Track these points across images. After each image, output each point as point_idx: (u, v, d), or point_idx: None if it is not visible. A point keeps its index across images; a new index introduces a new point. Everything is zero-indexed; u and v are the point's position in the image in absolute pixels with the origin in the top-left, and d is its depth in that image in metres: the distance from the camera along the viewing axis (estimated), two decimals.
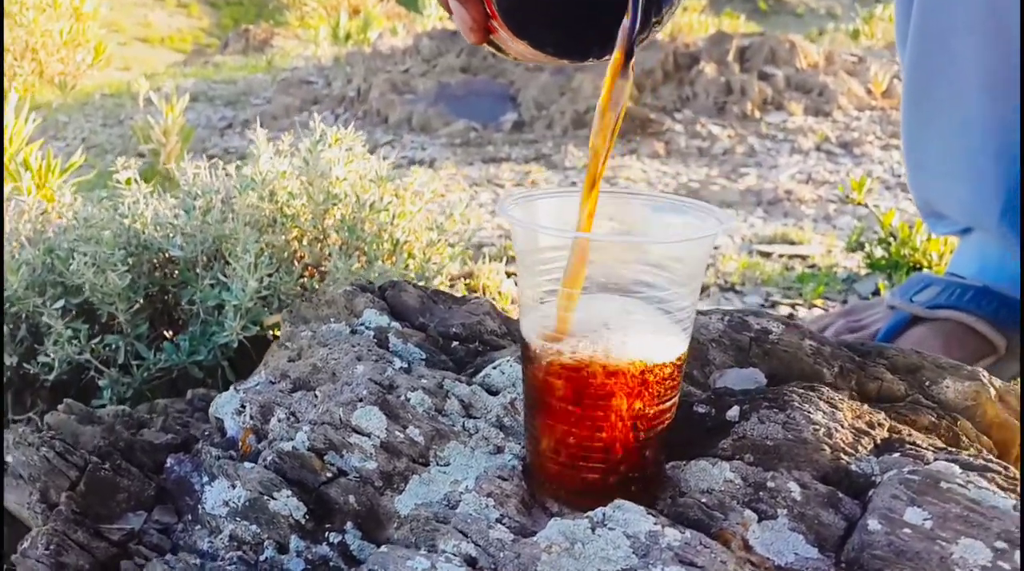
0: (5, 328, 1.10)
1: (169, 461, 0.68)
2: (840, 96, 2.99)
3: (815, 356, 0.61)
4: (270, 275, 1.06)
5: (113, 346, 1.08)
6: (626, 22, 0.52)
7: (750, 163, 2.66)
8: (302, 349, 0.66)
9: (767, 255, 1.75)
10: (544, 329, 0.53)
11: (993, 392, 0.59)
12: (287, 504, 0.53)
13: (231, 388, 0.69)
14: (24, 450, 0.64)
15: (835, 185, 2.42)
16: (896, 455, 0.50)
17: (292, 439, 0.58)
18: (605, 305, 0.59)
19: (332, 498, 0.54)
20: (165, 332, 1.16)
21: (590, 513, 0.48)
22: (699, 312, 0.67)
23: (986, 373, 0.61)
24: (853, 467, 0.50)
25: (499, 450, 0.54)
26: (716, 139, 2.81)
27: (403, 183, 1.33)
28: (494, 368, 0.61)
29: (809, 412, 0.52)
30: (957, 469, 0.48)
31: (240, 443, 0.64)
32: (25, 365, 1.09)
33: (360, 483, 0.54)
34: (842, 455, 0.51)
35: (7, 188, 1.82)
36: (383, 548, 0.49)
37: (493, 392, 0.60)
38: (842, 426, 0.52)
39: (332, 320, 0.71)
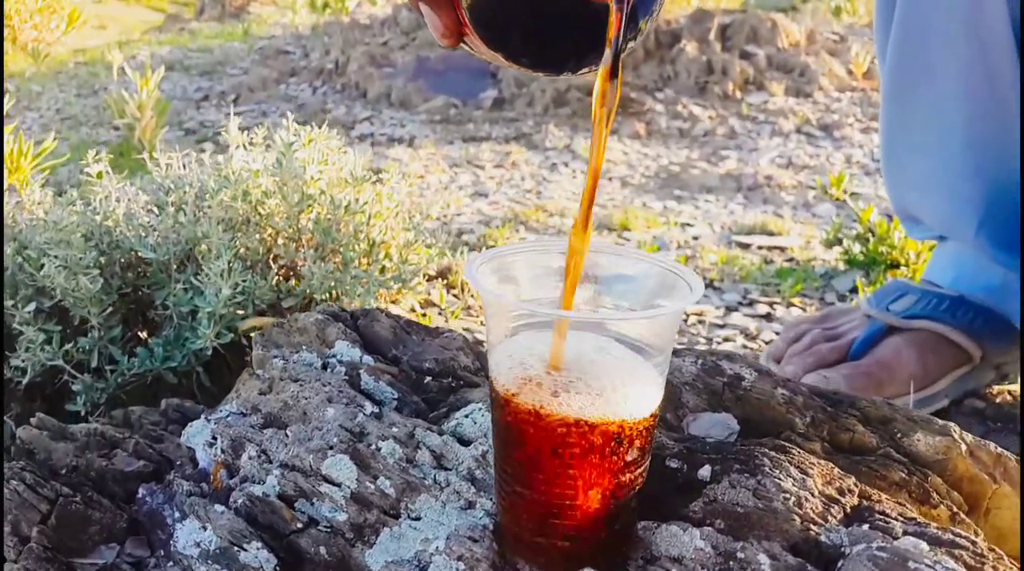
0: None
1: (141, 491, 0.67)
2: (821, 77, 2.99)
3: (787, 405, 0.61)
4: (244, 280, 1.05)
5: (87, 348, 1.07)
6: (608, 52, 0.51)
7: (731, 146, 2.65)
8: (273, 381, 0.65)
9: (746, 247, 1.75)
10: (511, 372, 0.52)
11: (964, 447, 0.59)
12: (257, 556, 0.53)
13: (203, 416, 0.68)
14: None
15: (815, 170, 2.42)
16: (865, 527, 0.50)
17: (263, 481, 0.57)
18: (579, 345, 0.58)
19: (303, 548, 0.54)
20: (139, 333, 1.15)
21: None
22: (672, 352, 0.67)
23: (957, 428, 0.61)
24: (823, 538, 0.50)
25: (470, 505, 0.54)
26: (697, 120, 2.80)
27: (380, 176, 1.32)
28: (466, 417, 0.61)
29: (780, 479, 0.52)
30: (925, 547, 0.48)
31: (212, 476, 0.63)
32: None
33: (331, 534, 0.54)
34: (812, 525, 0.51)
35: None
36: None
37: (465, 442, 0.60)
38: (812, 494, 0.52)
39: (304, 348, 0.70)
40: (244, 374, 0.69)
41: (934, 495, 0.55)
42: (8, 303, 1.08)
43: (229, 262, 1.03)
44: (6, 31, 4.62)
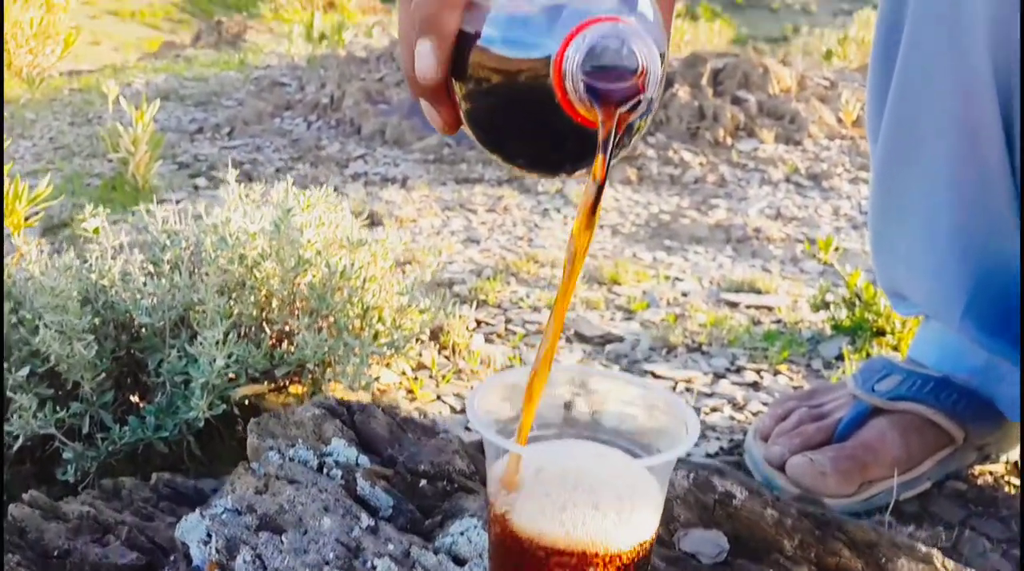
0: None
1: None
2: (811, 124, 3.02)
3: (776, 526, 0.63)
4: (238, 349, 1.06)
5: (78, 413, 1.08)
6: (592, 187, 0.52)
7: (721, 194, 2.68)
8: (269, 479, 0.66)
9: (734, 305, 1.76)
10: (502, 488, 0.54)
11: None
12: None
13: (197, 511, 0.69)
14: None
15: (803, 222, 2.45)
16: None
17: None
18: (577, 451, 0.60)
19: None
20: (131, 397, 1.15)
21: None
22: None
23: (939, 555, 0.62)
24: None
25: None
26: (688, 166, 2.83)
27: (372, 232, 1.33)
28: (461, 534, 0.61)
29: None
30: None
31: None
32: None
33: None
34: None
35: None
36: None
37: (460, 562, 0.61)
38: None
39: (300, 442, 0.71)
40: (240, 468, 0.70)
41: None
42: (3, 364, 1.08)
43: (225, 332, 1.04)
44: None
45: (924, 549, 0.62)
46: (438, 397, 1.27)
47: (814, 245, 2.13)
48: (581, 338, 1.57)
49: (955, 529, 0.98)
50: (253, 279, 1.19)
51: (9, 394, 1.03)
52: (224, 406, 1.03)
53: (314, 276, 1.19)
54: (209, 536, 0.66)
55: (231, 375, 1.08)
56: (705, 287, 1.91)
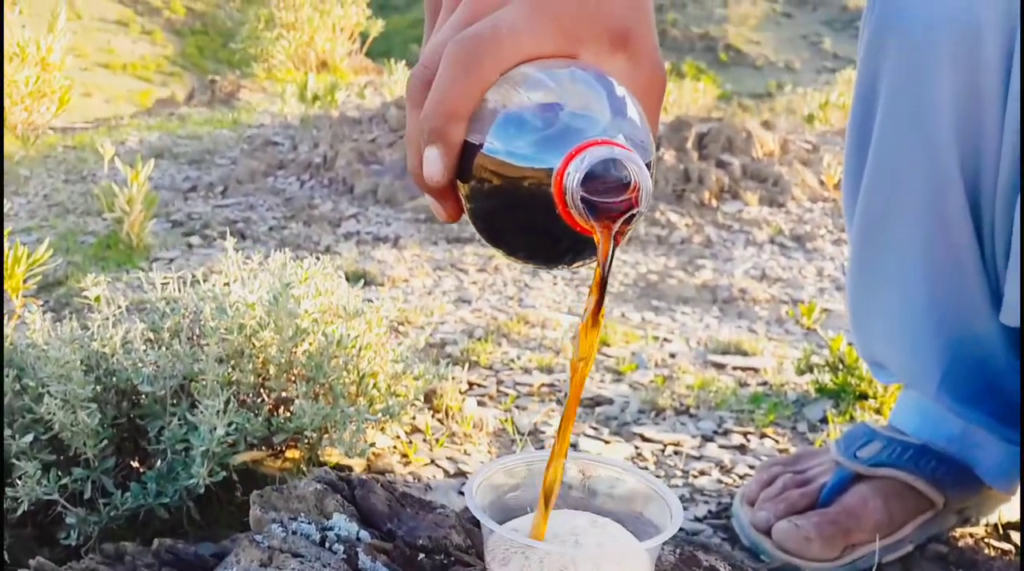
0: None
1: None
2: (794, 187, 3.09)
3: None
4: (238, 418, 1.08)
5: (81, 479, 1.10)
6: (592, 299, 0.56)
7: (707, 254, 2.73)
8: (273, 552, 0.69)
9: (721, 367, 1.80)
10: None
11: None
12: None
13: None
14: None
15: (788, 283, 2.50)
16: None
17: None
18: (572, 522, 0.63)
19: None
20: (132, 463, 1.17)
21: None
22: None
23: None
24: None
25: None
26: (674, 227, 2.88)
27: (370, 304, 1.36)
28: None
29: None
30: None
31: None
32: None
33: None
34: None
35: None
36: None
37: None
38: None
39: (302, 515, 0.74)
40: (244, 540, 0.72)
41: None
42: (6, 433, 1.10)
43: (225, 400, 1.07)
44: None
45: None
46: (432, 461, 1.30)
47: (797, 310, 2.18)
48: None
49: None
50: (252, 348, 1.22)
51: (13, 460, 1.05)
52: (223, 472, 1.05)
53: (311, 345, 1.23)
54: None
55: (230, 442, 1.10)
56: (692, 348, 1.95)
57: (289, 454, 1.22)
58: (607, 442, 1.41)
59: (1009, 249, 0.90)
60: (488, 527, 0.57)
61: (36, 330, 1.23)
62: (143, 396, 1.19)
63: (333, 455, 1.21)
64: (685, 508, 1.23)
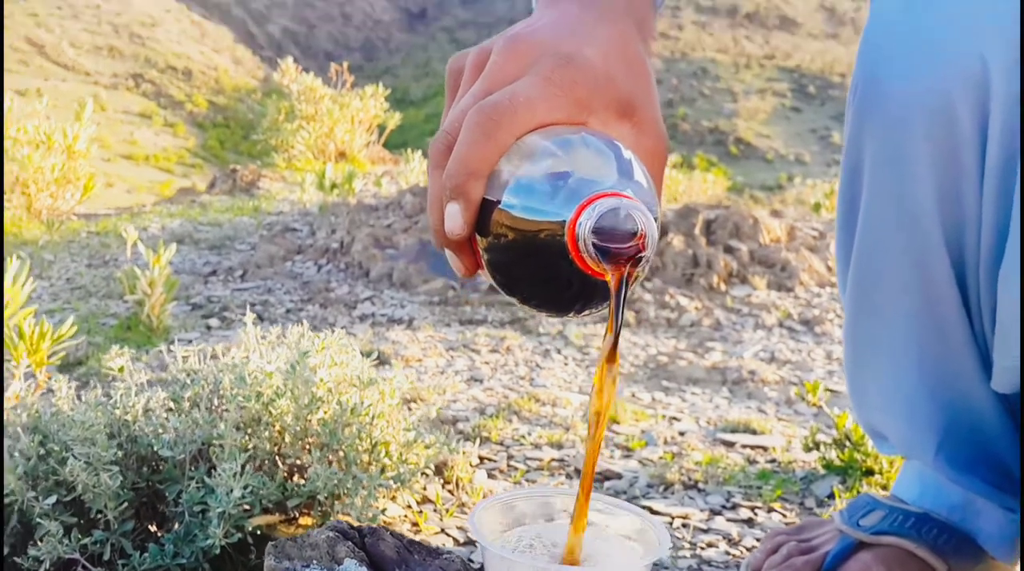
0: None
1: None
2: (802, 272, 3.14)
3: None
4: (254, 481, 1.12)
5: (100, 541, 1.13)
6: (609, 338, 0.61)
7: (716, 337, 2.77)
8: None
9: (730, 445, 1.82)
10: None
11: None
12: None
13: None
14: None
15: (797, 365, 2.52)
16: None
17: None
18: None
19: None
20: (150, 527, 1.20)
21: None
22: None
23: None
24: None
25: None
26: (684, 310, 2.93)
27: (381, 371, 1.41)
28: None
29: None
30: None
31: None
32: (16, 558, 1.14)
33: None
34: None
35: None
36: None
37: None
38: None
39: (314, 562, 0.77)
40: None
41: None
42: (30, 495, 1.14)
43: (242, 464, 1.10)
44: (22, 198, 4.83)
45: None
46: (442, 530, 1.32)
47: (803, 388, 2.20)
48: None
49: None
50: (269, 416, 1.26)
51: (37, 519, 1.08)
52: (239, 534, 1.08)
53: (326, 412, 1.26)
54: None
55: (246, 506, 1.13)
56: (702, 427, 1.97)
57: (303, 520, 1.24)
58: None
59: (995, 317, 0.93)
60: (487, 547, 0.60)
61: (62, 397, 1.28)
62: (163, 462, 1.23)
63: (345, 521, 1.23)
64: None
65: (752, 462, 1.72)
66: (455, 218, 0.61)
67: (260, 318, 2.97)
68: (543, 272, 0.60)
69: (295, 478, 1.25)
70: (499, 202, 0.60)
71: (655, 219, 0.59)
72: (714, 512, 1.46)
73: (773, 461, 1.72)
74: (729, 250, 3.17)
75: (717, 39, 43.37)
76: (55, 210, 4.79)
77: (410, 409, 1.88)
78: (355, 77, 7.61)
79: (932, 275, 0.97)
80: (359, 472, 1.21)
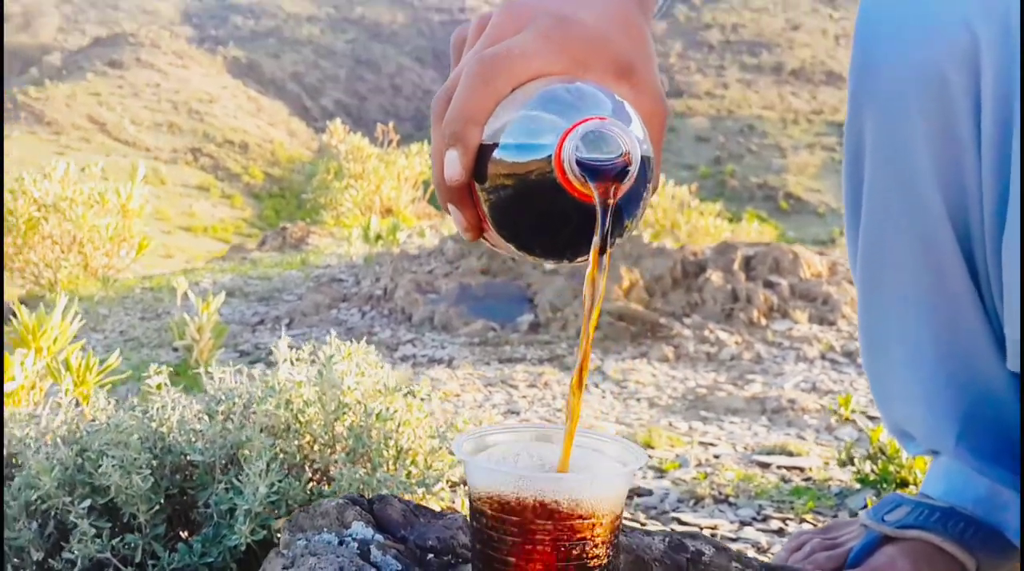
0: (35, 524, 1.19)
1: None
2: (844, 305, 3.11)
3: None
4: (280, 481, 1.14)
5: (132, 545, 1.16)
6: (596, 239, 0.63)
7: (756, 370, 2.75)
8: (296, 557, 0.74)
9: (766, 466, 1.80)
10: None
11: None
12: None
13: None
14: None
15: (839, 395, 2.49)
16: None
17: None
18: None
19: None
20: (180, 531, 1.23)
21: None
22: (644, 532, 0.75)
23: None
24: None
25: None
26: (724, 345, 2.91)
27: (413, 387, 1.43)
28: None
29: None
30: None
31: None
32: (50, 560, 1.17)
33: None
34: None
35: (48, 385, 1.94)
36: None
37: None
38: None
39: (325, 530, 0.79)
40: (271, 554, 0.77)
41: None
42: (66, 499, 1.18)
43: (268, 463, 1.13)
44: (79, 257, 4.99)
45: None
46: None
47: (836, 405, 2.18)
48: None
49: None
50: (298, 424, 1.29)
51: (72, 519, 1.12)
52: (264, 532, 1.10)
53: (353, 420, 1.29)
54: None
55: (273, 507, 1.16)
56: (738, 451, 1.95)
57: None
58: (643, 525, 1.42)
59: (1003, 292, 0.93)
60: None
61: (100, 409, 1.32)
62: (195, 470, 1.26)
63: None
64: None
65: (786, 480, 1.70)
66: (454, 164, 0.64)
67: (299, 360, 3.02)
68: (538, 211, 0.63)
69: (322, 484, 1.27)
70: (496, 145, 0.62)
71: (648, 161, 0.61)
72: (744, 523, 1.45)
73: (808, 479, 1.70)
74: (769, 285, 3.16)
75: (763, 96, 43.49)
76: (110, 268, 4.94)
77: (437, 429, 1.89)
78: (400, 136, 7.79)
79: (938, 250, 0.97)
80: (384, 475, 1.23)
